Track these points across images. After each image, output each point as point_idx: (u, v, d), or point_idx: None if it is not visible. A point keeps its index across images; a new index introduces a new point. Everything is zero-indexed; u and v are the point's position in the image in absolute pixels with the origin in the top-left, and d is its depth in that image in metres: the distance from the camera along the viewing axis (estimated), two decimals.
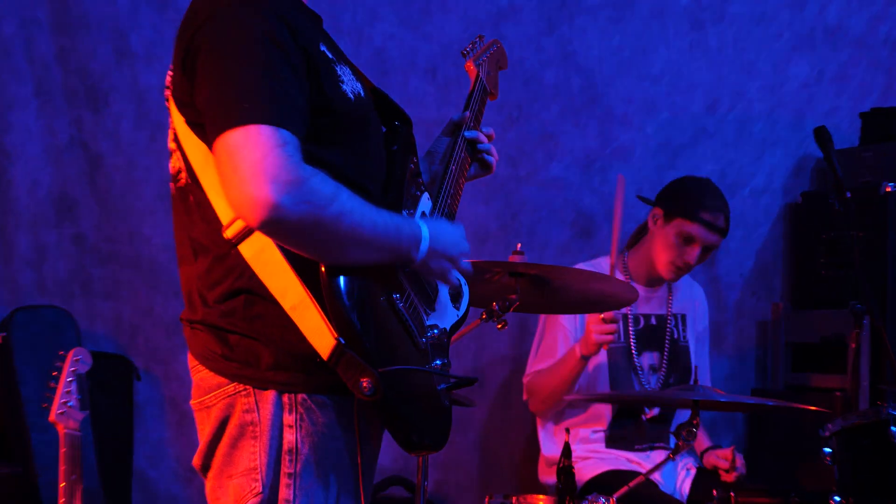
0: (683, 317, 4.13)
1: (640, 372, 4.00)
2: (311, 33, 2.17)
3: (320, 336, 2.06)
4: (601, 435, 3.98)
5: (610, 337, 3.72)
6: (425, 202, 2.38)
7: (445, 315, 2.35)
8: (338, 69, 2.19)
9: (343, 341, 2.05)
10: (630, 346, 4.01)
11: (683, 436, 3.33)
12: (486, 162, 2.70)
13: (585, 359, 3.81)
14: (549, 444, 4.05)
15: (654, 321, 4.07)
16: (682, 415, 4.01)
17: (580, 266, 3.99)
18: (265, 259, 2.10)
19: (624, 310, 3.96)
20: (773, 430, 4.67)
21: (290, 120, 2.02)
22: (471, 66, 2.79)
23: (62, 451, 3.21)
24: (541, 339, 4.05)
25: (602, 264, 4.03)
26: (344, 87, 2.18)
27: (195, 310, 2.22)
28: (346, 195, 2.04)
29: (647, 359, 4.03)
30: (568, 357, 3.86)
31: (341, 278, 2.07)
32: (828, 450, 3.28)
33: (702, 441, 4.10)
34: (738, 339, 4.93)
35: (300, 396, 2.14)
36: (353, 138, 2.20)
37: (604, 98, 4.66)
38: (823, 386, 4.56)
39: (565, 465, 3.29)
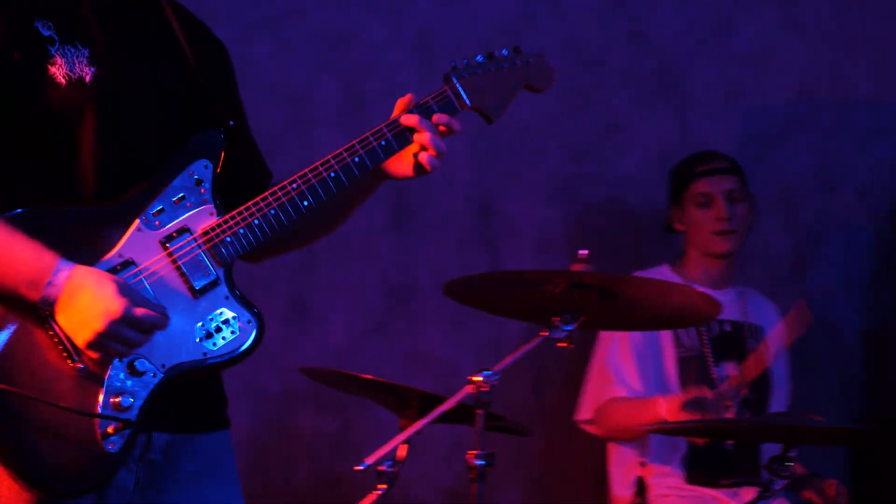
0: (760, 328, 4.23)
1: (717, 385, 4.04)
2: (24, 8, 2.31)
3: None
4: (681, 470, 4.02)
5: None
6: (201, 217, 2.38)
7: (178, 349, 2.33)
8: (53, 49, 2.31)
9: None
10: (705, 353, 4.07)
11: (777, 470, 3.32)
12: (418, 164, 2.54)
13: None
14: (622, 483, 4.08)
15: (728, 327, 4.16)
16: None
17: (637, 276, 4.06)
18: None
19: None
20: (881, 468, 4.63)
21: None
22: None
23: None
24: (605, 355, 4.12)
25: (662, 272, 4.17)
26: (55, 68, 2.30)
27: None
28: None
29: (726, 369, 4.10)
30: (649, 408, 3.95)
31: None
32: None
33: (796, 469, 4.09)
34: (839, 359, 4.90)
35: None
36: (55, 126, 2.31)
37: (680, 83, 4.68)
38: None
39: None
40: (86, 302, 2.22)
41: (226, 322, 2.37)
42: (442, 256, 4.47)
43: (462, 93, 2.58)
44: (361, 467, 2.84)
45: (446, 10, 4.45)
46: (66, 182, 2.33)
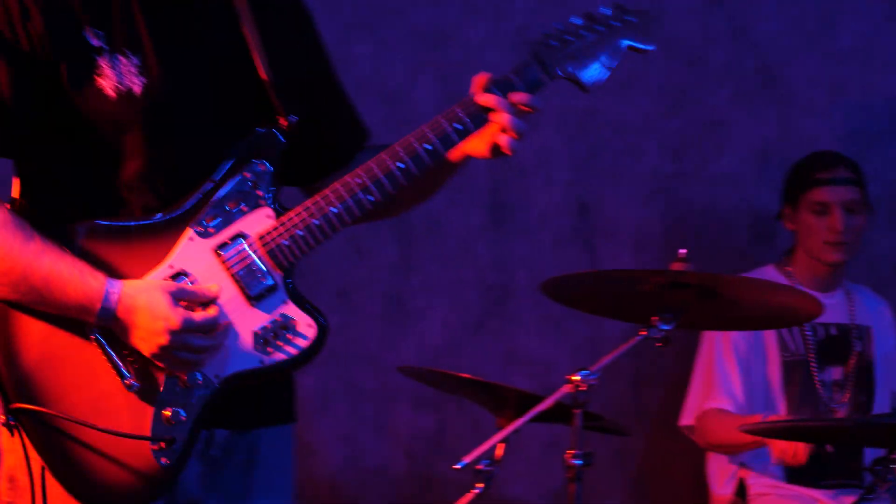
0: (868, 329, 4.21)
1: (822, 390, 4.05)
2: (74, 17, 2.26)
3: None
4: (781, 468, 4.01)
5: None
6: (258, 220, 2.29)
7: (233, 358, 2.29)
8: (101, 59, 2.26)
9: None
10: (809, 359, 4.06)
11: (880, 473, 3.30)
12: (496, 146, 2.36)
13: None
14: (721, 481, 4.09)
15: (834, 331, 4.14)
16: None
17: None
18: None
19: None
20: None
21: None
22: None
23: None
24: (708, 362, 4.12)
25: (767, 273, 4.14)
26: (103, 80, 2.25)
27: None
28: None
29: (831, 374, 4.10)
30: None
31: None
32: None
33: None
34: None
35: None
36: (104, 138, 2.26)
37: (782, 80, 4.66)
38: None
39: None
40: (144, 320, 2.21)
41: (284, 327, 2.28)
42: (539, 255, 4.49)
43: (548, 63, 2.39)
44: (459, 466, 2.85)
45: (544, 9, 4.45)
46: (116, 194, 2.29)
